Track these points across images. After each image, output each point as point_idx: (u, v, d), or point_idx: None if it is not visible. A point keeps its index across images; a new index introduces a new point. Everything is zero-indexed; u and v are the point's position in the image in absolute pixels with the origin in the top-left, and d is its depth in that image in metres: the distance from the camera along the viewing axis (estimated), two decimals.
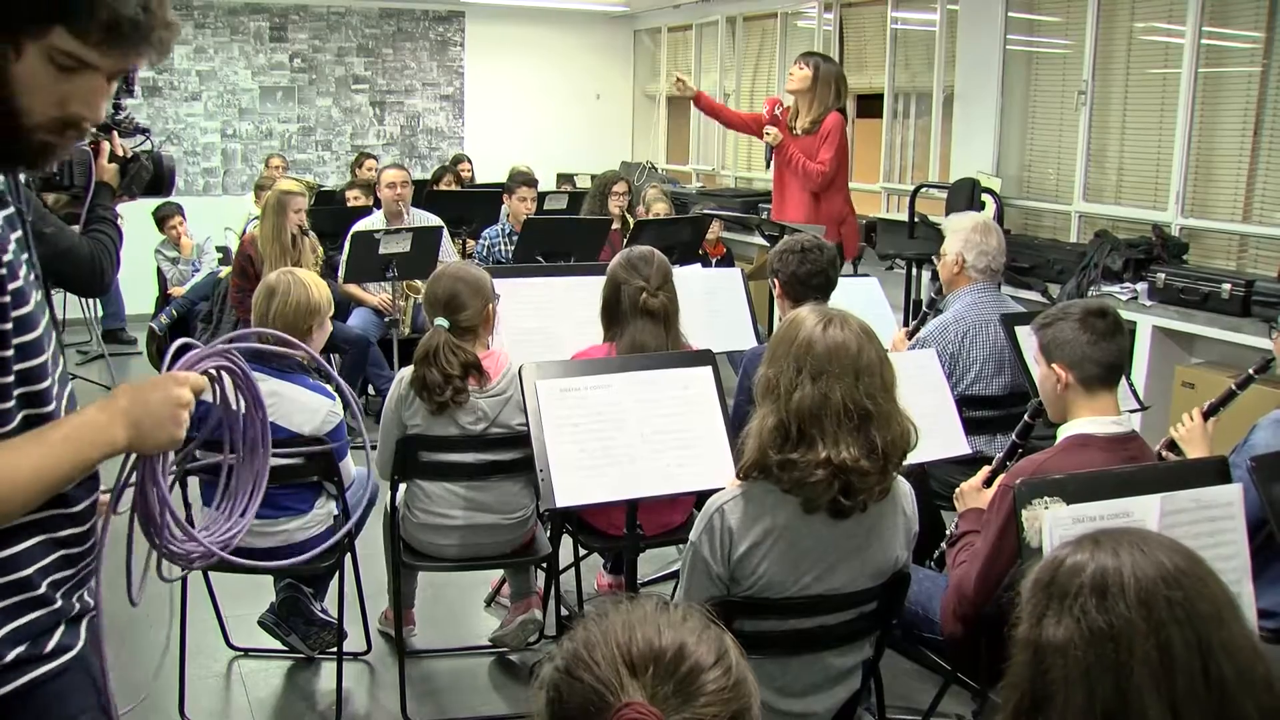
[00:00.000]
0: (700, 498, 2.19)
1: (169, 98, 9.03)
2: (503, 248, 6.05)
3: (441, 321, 3.08)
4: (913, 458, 2.19)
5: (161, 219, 7.24)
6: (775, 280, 3.41)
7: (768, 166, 5.73)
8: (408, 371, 3.09)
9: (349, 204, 6.84)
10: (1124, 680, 1.17)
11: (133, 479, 1.44)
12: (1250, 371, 2.95)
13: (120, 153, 2.44)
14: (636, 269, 3.16)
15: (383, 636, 3.52)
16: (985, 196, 5.86)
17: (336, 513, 3.15)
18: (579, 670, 1.06)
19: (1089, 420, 2.40)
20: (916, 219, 5.98)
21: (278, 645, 3.36)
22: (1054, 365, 2.43)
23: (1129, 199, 5.68)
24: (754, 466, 2.09)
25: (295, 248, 5.39)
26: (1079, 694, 1.19)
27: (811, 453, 2.02)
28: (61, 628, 1.39)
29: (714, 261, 6.42)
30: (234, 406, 1.55)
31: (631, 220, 6.23)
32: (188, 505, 3.04)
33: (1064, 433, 2.43)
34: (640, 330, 3.12)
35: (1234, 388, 2.93)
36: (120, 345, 7.65)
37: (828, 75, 5.38)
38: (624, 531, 2.84)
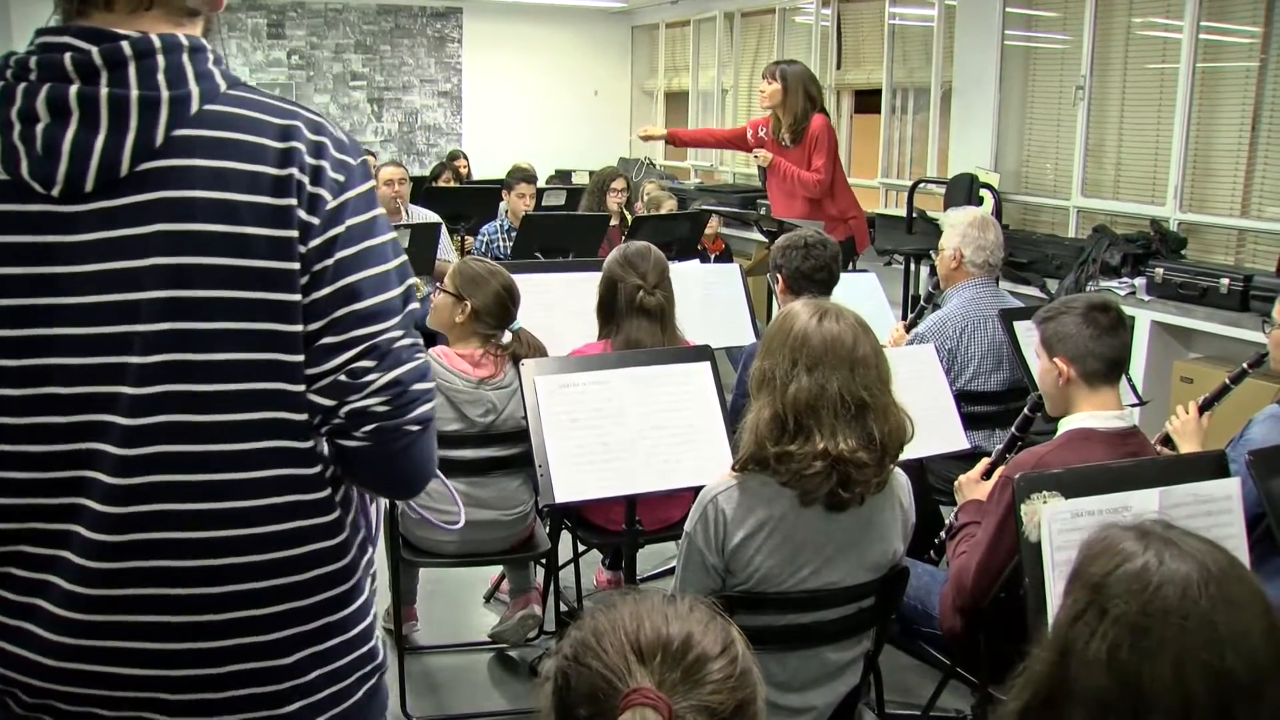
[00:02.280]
0: (698, 493, 2.20)
1: None
2: (501, 244, 6.05)
3: (516, 325, 3.14)
4: (911, 453, 2.20)
5: None
6: (778, 275, 3.40)
7: (763, 183, 5.73)
8: None
9: None
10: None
11: None
12: (1244, 366, 2.95)
13: None
14: (634, 266, 3.15)
15: (385, 633, 3.51)
16: (983, 192, 5.86)
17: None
18: (587, 657, 1.07)
19: (1090, 415, 2.40)
20: (915, 214, 5.99)
21: None
22: (1056, 359, 2.42)
23: (1127, 194, 5.68)
24: (750, 459, 2.09)
25: None
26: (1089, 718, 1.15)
27: (809, 444, 2.02)
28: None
29: (712, 257, 6.43)
30: None
31: (629, 216, 6.23)
32: None
33: (1065, 426, 2.43)
34: (636, 328, 3.11)
35: (1228, 382, 2.94)
36: None
37: (795, 81, 5.35)
38: (623, 527, 2.84)
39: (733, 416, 2.70)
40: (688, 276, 3.76)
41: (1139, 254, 5.07)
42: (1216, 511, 2.12)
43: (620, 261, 3.17)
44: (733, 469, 2.14)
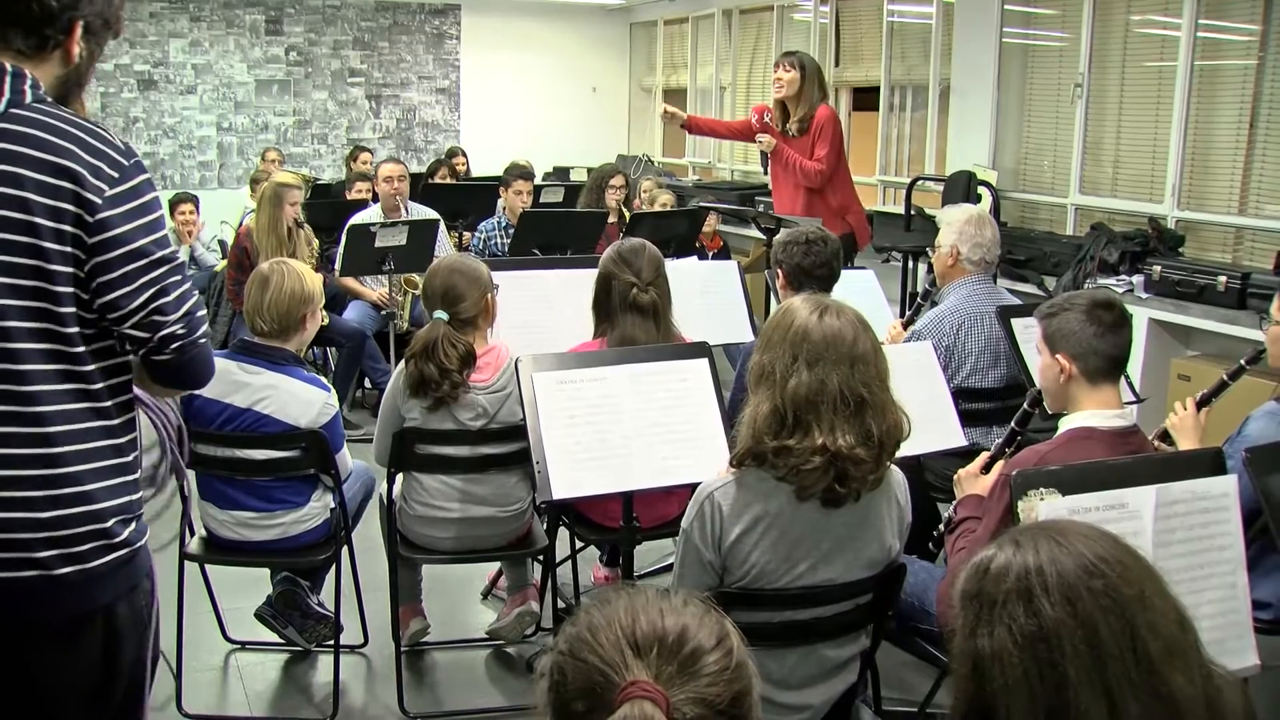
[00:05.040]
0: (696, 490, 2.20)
1: (164, 91, 9.02)
2: (499, 241, 6.04)
3: (441, 314, 3.07)
4: (908, 450, 2.20)
5: (173, 204, 7.11)
6: (779, 271, 3.40)
7: (765, 172, 5.71)
8: None
9: (352, 196, 6.80)
10: (1060, 678, 1.18)
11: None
12: (1242, 362, 2.95)
13: None
14: (627, 263, 3.13)
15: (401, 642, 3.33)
16: (981, 189, 5.86)
17: (333, 505, 3.14)
18: (583, 652, 1.07)
19: (1091, 413, 2.39)
20: (913, 212, 5.99)
21: (275, 638, 3.36)
22: (1057, 356, 2.41)
23: (1125, 192, 5.69)
24: (748, 454, 2.09)
25: (291, 239, 5.39)
26: (1020, 700, 1.19)
27: (807, 439, 2.02)
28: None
29: (710, 254, 6.43)
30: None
31: (628, 214, 6.23)
32: (185, 497, 3.02)
33: (1065, 425, 2.42)
34: (630, 325, 3.10)
35: (1226, 378, 2.93)
36: None
37: (813, 71, 5.34)
38: (620, 524, 2.84)
39: (731, 414, 2.70)
40: (686, 273, 3.76)
41: (1137, 251, 5.08)
42: (1213, 509, 2.12)
43: (614, 259, 3.15)
44: (730, 463, 2.14)
